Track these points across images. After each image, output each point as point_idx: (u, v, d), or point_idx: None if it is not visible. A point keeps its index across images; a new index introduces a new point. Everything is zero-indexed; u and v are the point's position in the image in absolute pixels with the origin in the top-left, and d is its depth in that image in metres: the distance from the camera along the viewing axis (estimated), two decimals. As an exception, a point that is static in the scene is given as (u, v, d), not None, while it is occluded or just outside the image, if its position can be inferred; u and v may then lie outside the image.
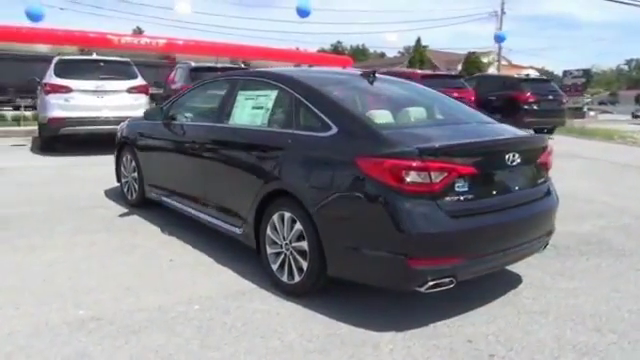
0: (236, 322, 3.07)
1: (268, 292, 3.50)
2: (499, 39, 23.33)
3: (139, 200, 5.52)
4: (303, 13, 14.87)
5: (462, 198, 2.94)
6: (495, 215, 3.08)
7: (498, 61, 34.43)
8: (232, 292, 3.50)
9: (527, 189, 3.34)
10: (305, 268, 3.28)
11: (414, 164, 2.82)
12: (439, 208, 2.85)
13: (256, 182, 3.61)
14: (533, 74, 24.42)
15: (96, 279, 3.67)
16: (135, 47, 24.51)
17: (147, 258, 4.13)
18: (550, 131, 15.36)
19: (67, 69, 9.48)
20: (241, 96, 4.14)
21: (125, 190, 5.84)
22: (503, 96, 14.56)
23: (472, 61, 36.29)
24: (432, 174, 2.83)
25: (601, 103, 45.24)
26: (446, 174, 2.86)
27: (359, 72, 4.03)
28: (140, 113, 6.25)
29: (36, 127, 10.33)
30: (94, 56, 10.51)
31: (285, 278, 3.43)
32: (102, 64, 9.95)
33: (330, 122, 3.27)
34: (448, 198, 2.89)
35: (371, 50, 68.51)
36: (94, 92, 9.22)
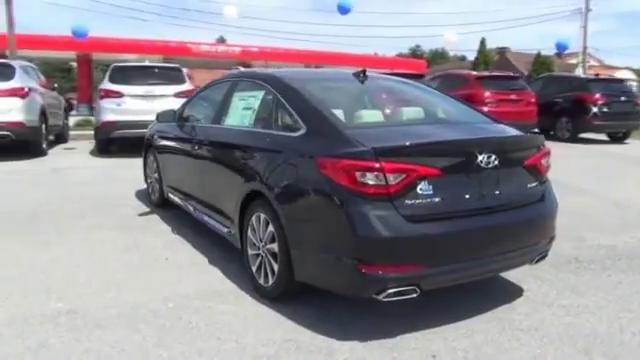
0: (201, 322, 3.06)
1: (246, 294, 3.46)
2: (560, 47, 21.04)
3: (160, 200, 5.68)
4: (344, 10, 14.77)
5: (425, 201, 2.75)
6: (467, 220, 2.85)
7: (583, 62, 32.38)
8: (211, 292, 3.49)
9: (511, 193, 3.07)
10: (276, 271, 3.21)
11: (368, 165, 2.68)
12: (397, 211, 2.68)
13: (239, 182, 3.60)
14: (629, 76, 22.44)
15: (88, 274, 3.79)
16: (212, 55, 25.72)
17: (145, 256, 4.22)
18: (625, 135, 14.24)
19: (120, 75, 9.99)
20: (236, 97, 4.17)
21: (149, 190, 6.04)
22: (570, 98, 13.69)
23: (542, 62, 34.35)
24: (388, 175, 2.66)
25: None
26: (404, 175, 2.69)
27: (351, 72, 3.91)
28: None
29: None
30: (146, 63, 11.00)
31: (262, 281, 3.38)
32: (153, 70, 10.41)
33: (301, 122, 3.20)
34: (408, 201, 2.71)
35: (451, 53, 66.58)
36: (143, 97, 9.63)
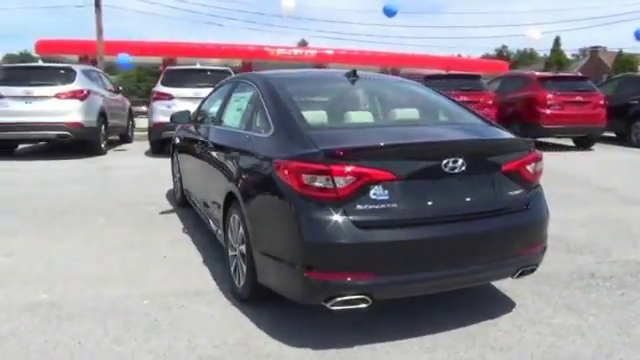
0: (165, 320, 3.09)
1: (223, 295, 3.46)
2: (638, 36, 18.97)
3: (182, 199, 5.83)
4: (390, 12, 14.47)
5: (380, 207, 2.60)
6: (429, 229, 2.67)
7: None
8: (191, 292, 3.52)
9: (485, 200, 2.84)
10: (244, 273, 3.19)
11: (315, 167, 2.58)
12: (346, 217, 2.56)
13: (223, 183, 3.61)
14: None
15: (84, 268, 3.96)
16: (289, 58, 26.39)
17: (146, 254, 4.34)
18: None
19: (172, 78, 10.40)
20: (232, 98, 4.20)
21: (175, 190, 6.23)
22: (647, 100, 12.60)
23: (625, 60, 31.87)
24: (337, 179, 2.55)
25: None
26: (354, 179, 2.56)
27: (343, 73, 3.80)
28: None
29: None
30: (197, 66, 11.37)
31: (236, 282, 3.37)
32: (205, 73, 10.73)
33: (271, 122, 3.15)
34: (360, 206, 2.58)
35: (541, 54, 63.25)
36: (191, 99, 9.94)
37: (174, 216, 5.61)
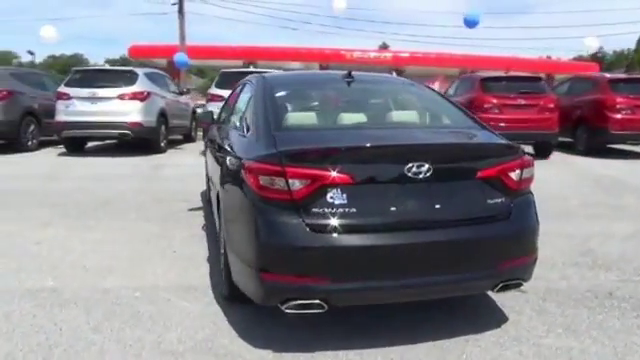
0: (147, 313, 3.19)
1: (211, 292, 3.51)
2: None
3: (209, 197, 5.99)
4: (471, 23, 13.87)
5: (337, 211, 2.53)
6: (390, 235, 2.55)
7: None
8: (183, 287, 3.61)
9: (457, 208, 2.67)
10: (224, 271, 3.23)
11: (270, 169, 2.56)
12: (301, 220, 2.51)
13: (216, 183, 3.68)
14: None
15: (96, 259, 4.17)
16: (365, 61, 26.53)
17: (158, 248, 4.50)
18: None
19: (226, 80, 10.72)
20: (239, 98, 4.26)
21: (206, 187, 6.42)
22: None
23: None
24: (291, 181, 2.51)
25: None
26: (309, 182, 2.51)
27: (342, 74, 3.73)
28: None
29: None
30: (250, 68, 11.64)
31: (223, 279, 3.42)
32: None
33: (252, 123, 3.17)
34: (316, 209, 2.52)
35: None
36: None
37: (200, 213, 5.78)
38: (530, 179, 2.91)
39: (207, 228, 5.11)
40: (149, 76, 11.21)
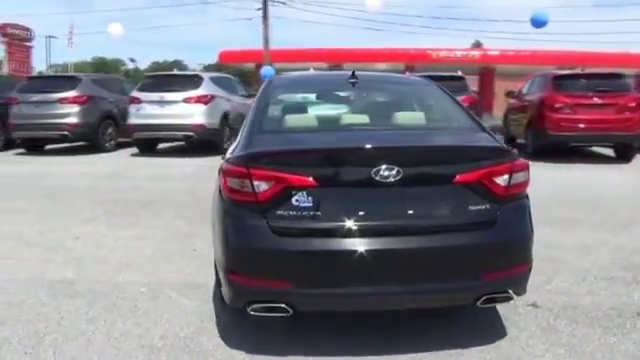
0: (143, 308, 3.31)
1: (212, 292, 3.57)
2: None
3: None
4: (538, 23, 13.03)
5: (302, 214, 2.47)
6: (358, 241, 2.45)
7: None
8: (189, 285, 3.71)
9: (433, 214, 2.51)
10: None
11: (237, 170, 2.57)
12: (265, 222, 2.48)
13: None
14: None
15: (120, 255, 4.39)
16: (452, 60, 26.07)
17: (180, 246, 4.65)
18: None
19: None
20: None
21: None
22: None
23: None
24: (256, 183, 2.49)
25: None
26: (273, 184, 2.47)
27: (347, 75, 3.64)
28: None
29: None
30: (311, 71, 11.69)
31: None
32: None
33: (243, 126, 3.19)
34: (281, 212, 2.48)
35: None
36: None
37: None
38: (523, 184, 2.67)
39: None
40: (214, 80, 11.64)
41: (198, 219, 5.53)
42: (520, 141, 11.02)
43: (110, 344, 2.84)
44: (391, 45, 28.66)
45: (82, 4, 60.39)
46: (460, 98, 10.42)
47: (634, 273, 3.90)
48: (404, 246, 2.45)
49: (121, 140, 12.29)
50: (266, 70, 17.81)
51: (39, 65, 39.71)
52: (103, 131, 11.96)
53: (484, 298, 2.57)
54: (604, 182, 8.11)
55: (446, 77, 11.45)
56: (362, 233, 2.46)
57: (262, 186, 2.49)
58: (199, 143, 11.23)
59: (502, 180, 2.57)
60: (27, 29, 28.95)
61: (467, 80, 11.27)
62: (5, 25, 26.99)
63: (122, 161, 10.68)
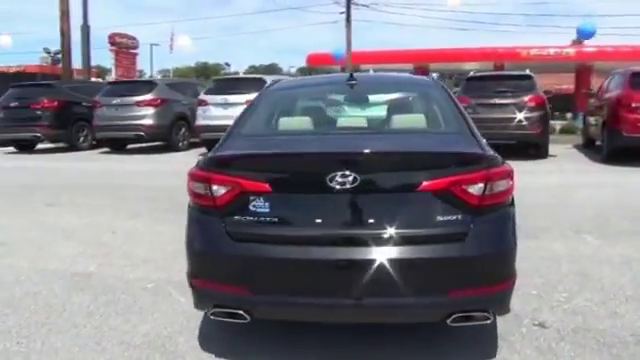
0: (140, 304, 3.42)
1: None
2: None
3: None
4: (586, 34, 11.99)
5: (259, 220, 2.41)
6: (312, 250, 2.34)
7: None
8: (193, 283, 3.78)
9: (393, 224, 2.32)
10: None
11: (198, 174, 2.57)
12: (223, 227, 2.45)
13: None
14: None
15: (145, 250, 4.58)
16: (544, 58, 24.94)
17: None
18: None
19: None
20: None
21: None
22: None
23: None
24: (214, 187, 2.47)
25: None
26: (229, 189, 2.44)
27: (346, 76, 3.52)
28: None
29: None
30: (370, 72, 11.52)
31: None
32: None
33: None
34: (238, 217, 2.44)
35: None
36: None
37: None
38: (502, 194, 2.41)
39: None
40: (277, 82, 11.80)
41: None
42: (598, 143, 10.17)
43: (94, 338, 2.94)
44: (481, 44, 27.74)
45: (182, 13, 63.96)
46: (526, 98, 9.99)
47: (679, 295, 3.43)
48: (361, 257, 2.31)
49: (194, 140, 12.87)
50: (337, 52, 17.93)
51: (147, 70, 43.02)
52: (176, 132, 12.61)
53: (454, 317, 2.36)
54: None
55: (512, 76, 10.94)
56: (318, 242, 2.36)
57: (220, 191, 2.47)
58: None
59: (475, 189, 2.34)
60: (133, 38, 31.10)
61: (535, 79, 10.59)
62: (114, 35, 29.22)
63: (189, 160, 11.09)
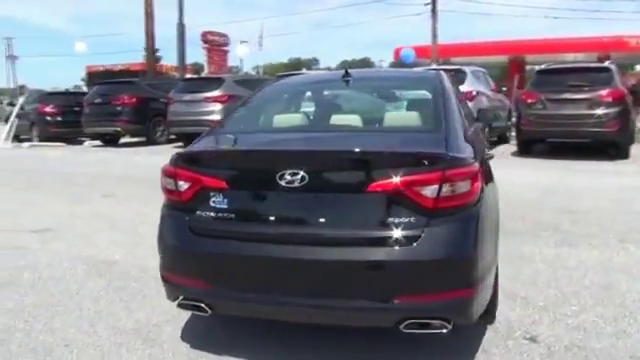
0: (144, 292, 3.60)
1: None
2: None
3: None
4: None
5: (217, 215, 2.46)
6: (264, 247, 2.35)
7: None
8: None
9: (342, 225, 2.28)
10: None
11: (167, 170, 2.65)
12: (187, 222, 2.53)
13: None
14: None
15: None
16: None
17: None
18: None
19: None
20: None
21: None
22: None
23: None
24: (179, 182, 2.56)
25: None
26: (190, 184, 2.51)
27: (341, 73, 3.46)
28: None
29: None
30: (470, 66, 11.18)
31: None
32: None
33: None
34: (200, 212, 2.50)
35: None
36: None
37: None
38: (462, 196, 2.27)
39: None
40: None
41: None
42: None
43: (91, 322, 3.15)
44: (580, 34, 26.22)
45: (272, 9, 65.63)
46: (603, 92, 9.24)
47: None
48: (309, 257, 2.28)
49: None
50: (406, 54, 17.53)
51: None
52: (243, 126, 13.05)
53: (406, 323, 2.27)
54: None
55: (589, 68, 10.16)
56: (270, 239, 2.37)
57: (184, 186, 2.55)
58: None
59: (430, 191, 2.23)
60: (224, 35, 32.41)
61: (615, 71, 9.79)
62: (206, 33, 30.61)
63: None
